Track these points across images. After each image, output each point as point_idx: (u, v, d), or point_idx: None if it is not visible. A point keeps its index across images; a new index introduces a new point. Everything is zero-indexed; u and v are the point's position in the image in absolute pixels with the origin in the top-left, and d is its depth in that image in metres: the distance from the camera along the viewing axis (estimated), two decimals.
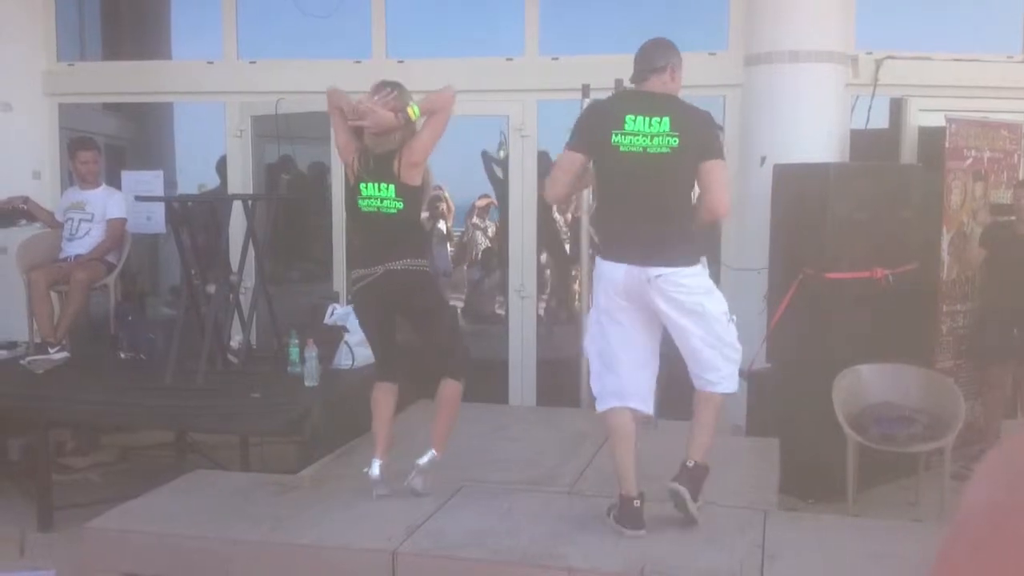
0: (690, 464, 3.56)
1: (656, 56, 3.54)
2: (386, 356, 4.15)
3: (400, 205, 3.82)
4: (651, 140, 3.41)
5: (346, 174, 3.97)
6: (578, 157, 3.60)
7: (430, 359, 4.11)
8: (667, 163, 3.42)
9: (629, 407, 3.62)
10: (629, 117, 3.44)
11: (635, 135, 3.42)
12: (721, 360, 3.57)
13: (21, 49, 6.94)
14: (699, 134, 3.47)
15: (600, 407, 3.68)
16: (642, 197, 3.49)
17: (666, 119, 3.40)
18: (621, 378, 3.61)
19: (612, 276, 3.51)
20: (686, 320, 3.49)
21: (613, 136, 3.45)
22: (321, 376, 4.99)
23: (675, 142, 3.40)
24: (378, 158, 3.82)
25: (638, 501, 3.55)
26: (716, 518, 3.72)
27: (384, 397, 4.04)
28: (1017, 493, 0.55)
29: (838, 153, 5.87)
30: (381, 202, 3.84)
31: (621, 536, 3.52)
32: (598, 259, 3.64)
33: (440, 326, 4.07)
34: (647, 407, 3.68)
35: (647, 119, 3.42)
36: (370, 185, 3.84)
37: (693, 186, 3.50)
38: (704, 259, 3.58)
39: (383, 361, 4.17)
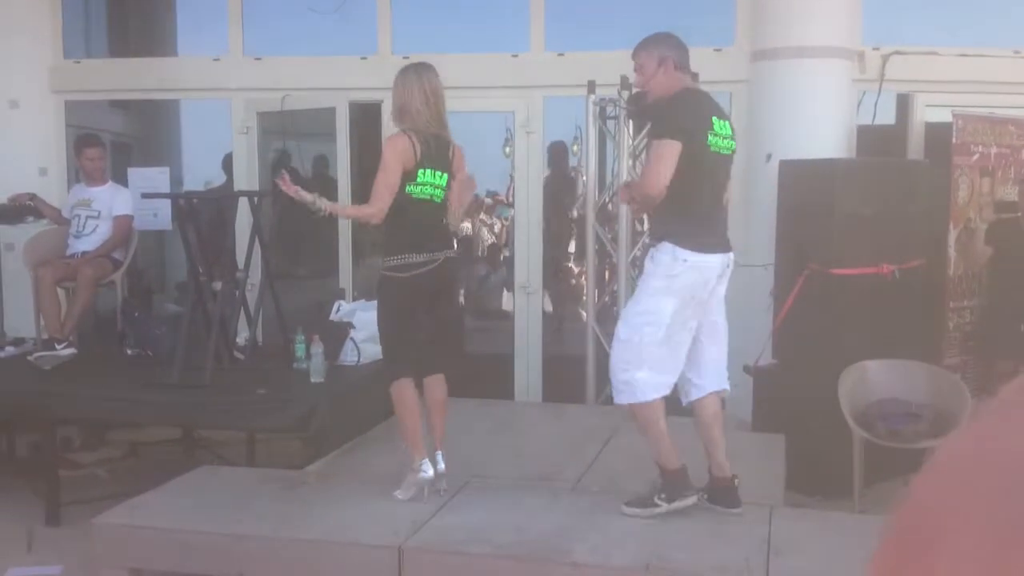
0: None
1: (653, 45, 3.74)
2: (418, 347, 4.00)
3: (443, 196, 3.85)
4: (724, 142, 3.66)
5: (395, 162, 3.75)
6: (679, 146, 3.61)
7: (442, 351, 4.08)
8: (728, 164, 3.76)
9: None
10: (713, 119, 3.64)
11: (719, 137, 3.63)
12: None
13: (28, 46, 6.96)
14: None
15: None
16: (720, 194, 3.78)
17: (727, 123, 3.68)
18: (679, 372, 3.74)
19: (710, 265, 3.63)
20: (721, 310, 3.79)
21: (708, 136, 3.61)
22: (327, 372, 5.00)
23: (734, 145, 3.72)
24: (438, 142, 3.79)
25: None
26: (722, 513, 3.72)
27: (415, 393, 3.93)
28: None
29: (844, 149, 5.86)
30: (435, 190, 3.80)
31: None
32: (684, 252, 3.56)
33: (461, 319, 4.06)
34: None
35: (721, 122, 3.65)
36: (427, 172, 3.77)
37: None
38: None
39: (413, 352, 3.97)
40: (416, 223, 3.83)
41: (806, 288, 5.14)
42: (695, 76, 3.80)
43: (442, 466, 3.91)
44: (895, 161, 5.92)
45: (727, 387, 3.84)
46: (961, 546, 0.48)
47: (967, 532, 0.48)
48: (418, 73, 3.81)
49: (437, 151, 3.79)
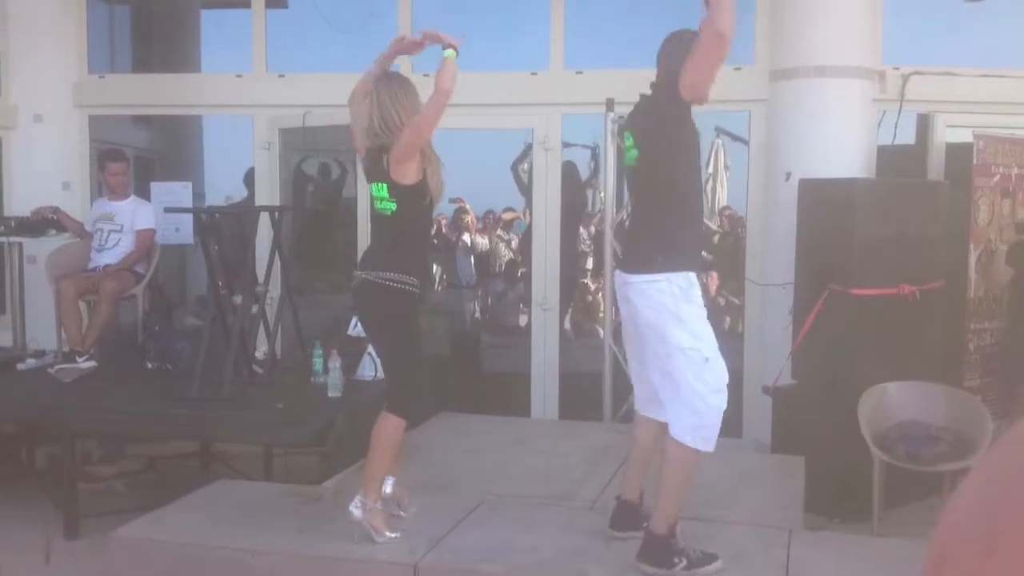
0: (648, 532, 3.35)
1: (660, 48, 3.42)
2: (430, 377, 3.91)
3: (393, 207, 3.55)
4: (629, 153, 3.48)
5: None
6: None
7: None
8: (636, 175, 3.52)
9: (642, 415, 3.59)
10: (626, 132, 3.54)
11: (627, 149, 3.50)
12: (677, 403, 3.28)
13: (52, 60, 7.03)
14: (649, 120, 3.39)
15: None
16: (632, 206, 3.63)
17: (628, 134, 3.46)
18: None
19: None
20: (646, 332, 3.32)
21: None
22: (344, 387, 5.02)
23: (637, 153, 3.42)
24: (371, 152, 3.62)
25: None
26: (740, 536, 3.70)
27: None
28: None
29: (864, 169, 5.84)
30: (379, 203, 3.62)
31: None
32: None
33: (385, 349, 3.77)
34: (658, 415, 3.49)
35: (627, 133, 3.50)
36: (372, 185, 3.64)
37: (662, 189, 3.38)
38: (687, 275, 3.27)
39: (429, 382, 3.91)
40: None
41: (826, 308, 5.12)
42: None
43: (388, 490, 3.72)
44: (915, 182, 5.89)
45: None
46: (958, 556, 0.53)
47: (963, 542, 0.53)
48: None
49: (370, 162, 3.67)
